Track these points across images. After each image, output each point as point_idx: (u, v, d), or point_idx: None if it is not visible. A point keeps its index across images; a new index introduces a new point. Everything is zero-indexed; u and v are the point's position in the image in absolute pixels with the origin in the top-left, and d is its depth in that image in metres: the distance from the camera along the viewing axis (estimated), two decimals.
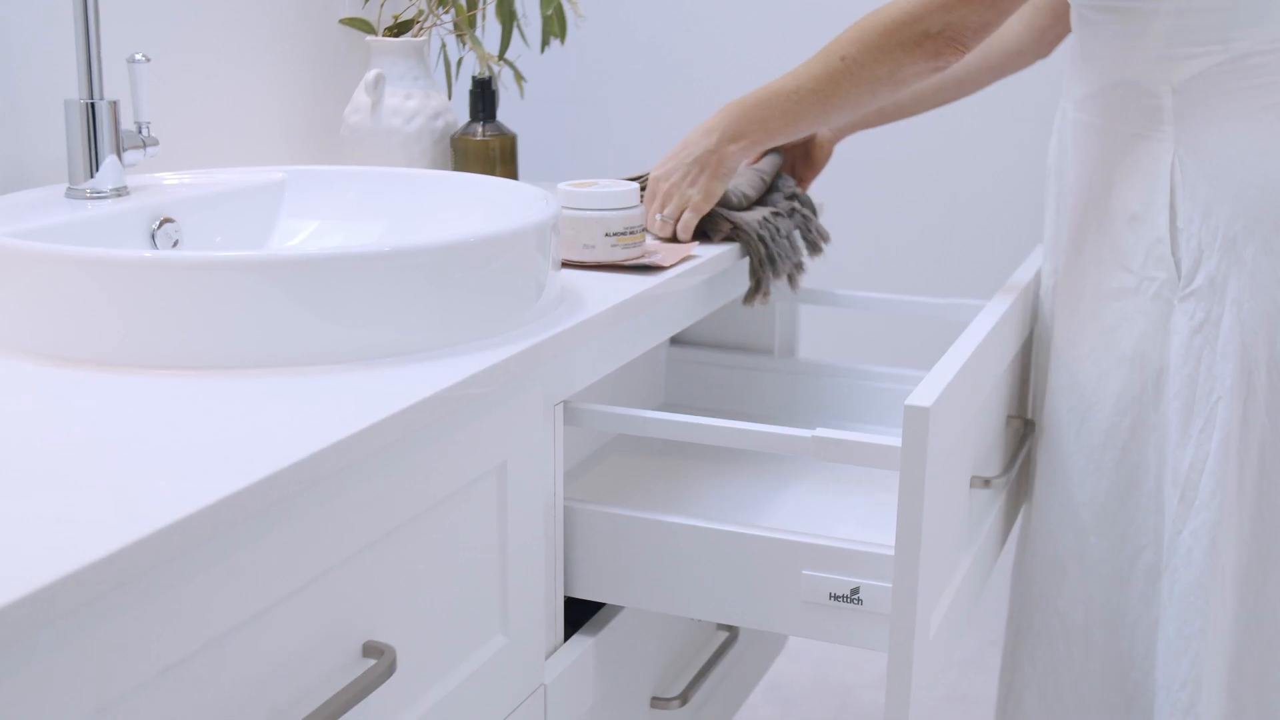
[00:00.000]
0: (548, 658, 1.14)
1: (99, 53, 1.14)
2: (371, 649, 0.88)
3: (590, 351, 1.16)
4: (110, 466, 0.76)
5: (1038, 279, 1.40)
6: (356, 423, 0.83)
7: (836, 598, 1.11)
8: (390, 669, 0.87)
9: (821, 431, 1.10)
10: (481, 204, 1.24)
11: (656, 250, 1.32)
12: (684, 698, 1.34)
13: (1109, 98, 1.25)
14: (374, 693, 0.89)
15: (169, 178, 1.26)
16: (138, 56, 1.20)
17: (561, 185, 1.28)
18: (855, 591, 1.10)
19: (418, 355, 0.97)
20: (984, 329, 1.17)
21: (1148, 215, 1.22)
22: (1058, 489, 1.31)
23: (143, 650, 0.69)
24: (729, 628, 1.50)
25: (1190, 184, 1.19)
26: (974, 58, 1.51)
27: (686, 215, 1.36)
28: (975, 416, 1.17)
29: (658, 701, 1.34)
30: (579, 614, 1.24)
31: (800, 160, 1.57)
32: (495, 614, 1.04)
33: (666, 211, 1.36)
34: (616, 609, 1.24)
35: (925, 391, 1.00)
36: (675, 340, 1.68)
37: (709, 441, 1.14)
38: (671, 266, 1.27)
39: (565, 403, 1.14)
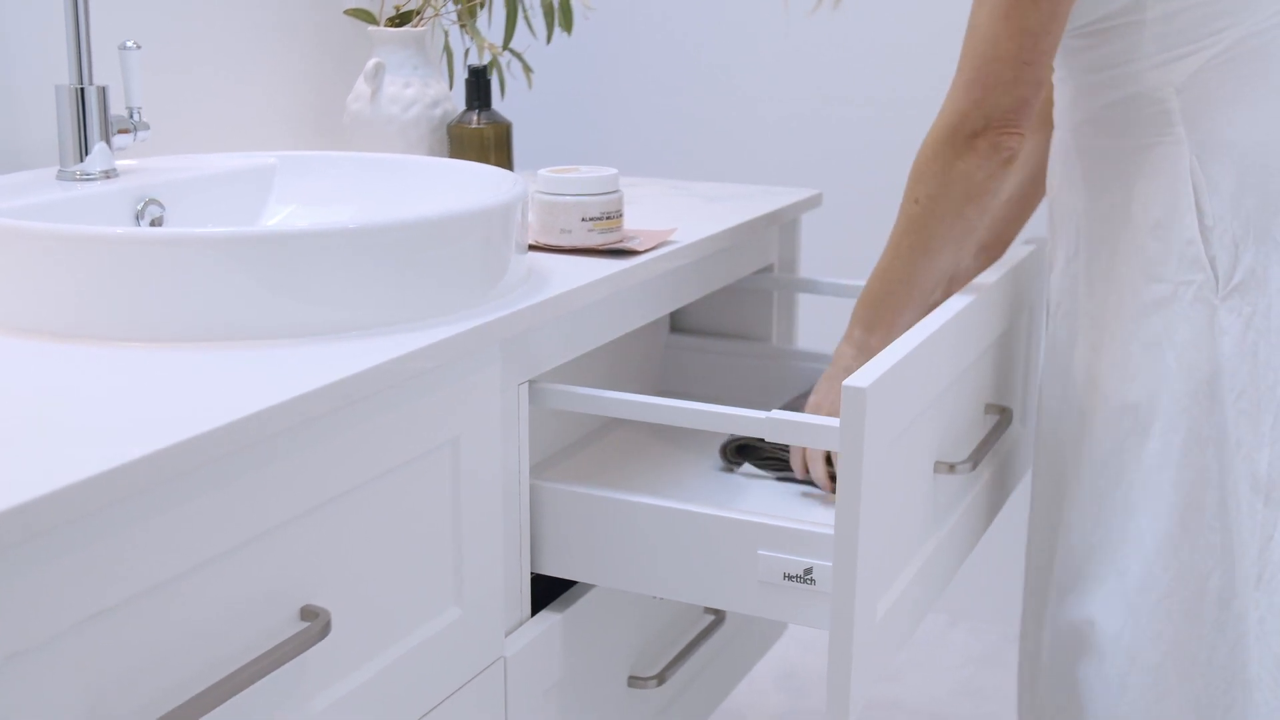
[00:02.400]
0: (512, 632, 1.17)
1: (88, 39, 1.19)
2: (309, 613, 0.91)
3: (558, 333, 1.19)
4: (47, 428, 0.80)
5: (1017, 271, 1.40)
6: (288, 392, 0.86)
7: (790, 577, 1.12)
8: (324, 631, 0.90)
9: (775, 413, 1.11)
10: (460, 188, 1.27)
11: (635, 235, 1.34)
12: (661, 678, 1.36)
13: (1110, 116, 1.23)
14: (316, 656, 0.93)
15: (160, 161, 1.30)
16: (129, 44, 1.24)
17: (541, 171, 1.31)
18: (808, 572, 1.11)
19: (373, 331, 1.00)
20: (946, 315, 1.18)
21: (1173, 220, 1.20)
22: (1122, 523, 1.24)
23: (60, 600, 0.73)
24: (715, 611, 1.52)
25: (1213, 179, 1.18)
26: (1040, 136, 1.42)
27: None
28: (936, 400, 1.18)
29: (635, 680, 1.36)
30: (559, 593, 1.26)
31: None
32: (449, 586, 1.07)
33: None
34: (589, 587, 1.27)
35: (865, 373, 1.01)
36: (674, 328, 1.70)
37: (668, 422, 1.16)
38: (646, 251, 1.29)
39: (531, 382, 1.17)
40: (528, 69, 1.72)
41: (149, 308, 0.96)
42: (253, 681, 0.84)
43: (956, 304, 1.22)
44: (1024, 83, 1.16)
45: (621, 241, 1.31)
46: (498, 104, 1.72)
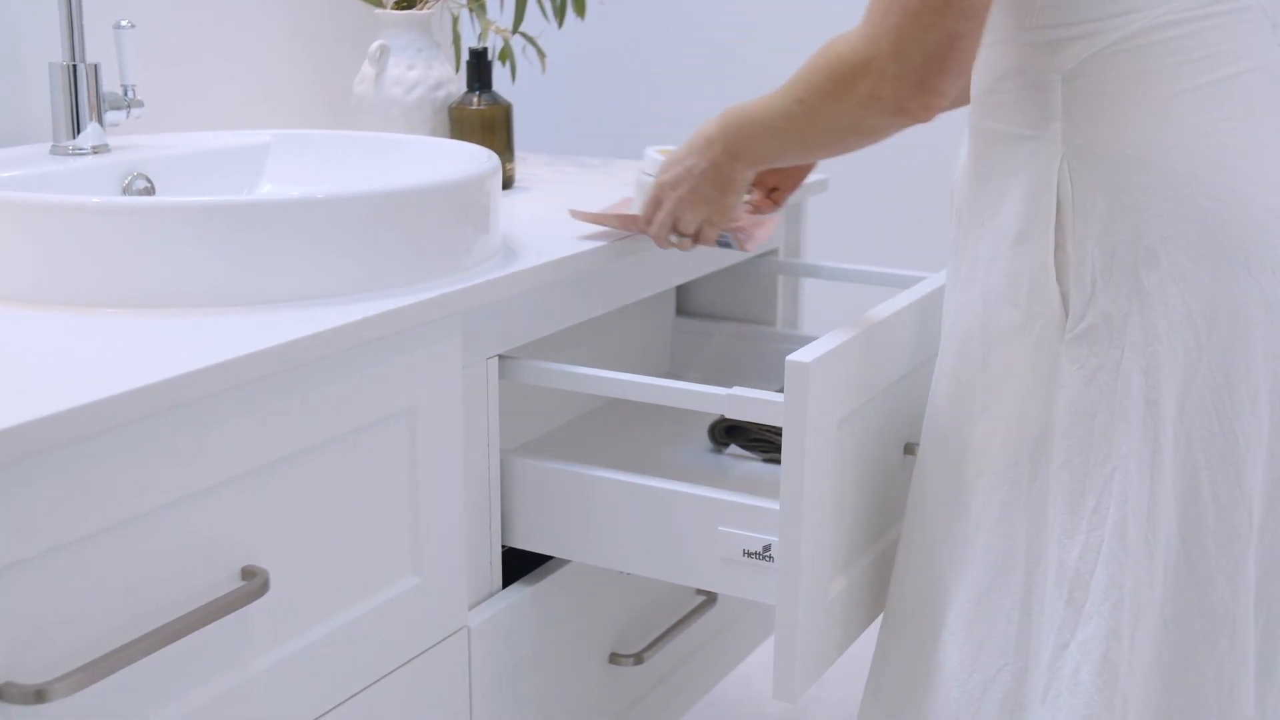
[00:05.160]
0: (480, 602, 1.19)
1: (81, 18, 1.22)
2: (249, 573, 0.94)
3: (531, 308, 1.20)
4: None
5: None
6: (223, 355, 0.88)
7: (750, 554, 1.12)
8: (262, 589, 0.92)
9: (736, 390, 1.11)
10: (443, 165, 1.28)
11: (740, 227, 1.27)
12: (639, 658, 1.37)
13: (1000, 93, 1.03)
14: (258, 615, 0.95)
15: (155, 138, 1.33)
16: (123, 23, 1.27)
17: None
18: (767, 549, 1.11)
19: (331, 300, 1.02)
20: (910, 298, 1.17)
21: (1032, 236, 1.00)
22: (944, 587, 1.08)
23: None
24: (706, 592, 1.52)
25: (1081, 195, 0.98)
26: None
27: (707, 231, 1.20)
28: (901, 381, 1.17)
29: (616, 658, 1.37)
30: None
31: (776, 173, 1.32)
32: (406, 554, 1.08)
33: (683, 226, 1.20)
34: (566, 562, 1.28)
35: (811, 349, 1.01)
36: (680, 311, 1.71)
37: (633, 397, 1.17)
38: (749, 248, 1.27)
39: (500, 356, 1.18)
40: (541, 54, 1.73)
41: (106, 274, 0.99)
42: (183, 635, 0.86)
43: (925, 288, 1.21)
44: (955, 12, 0.92)
45: (735, 231, 1.26)
46: (510, 87, 1.74)
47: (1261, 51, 0.99)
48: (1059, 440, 1.00)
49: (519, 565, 1.27)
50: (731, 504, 1.12)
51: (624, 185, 1.59)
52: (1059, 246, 0.99)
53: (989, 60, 1.05)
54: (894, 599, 1.16)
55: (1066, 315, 0.99)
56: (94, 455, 0.81)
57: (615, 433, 1.48)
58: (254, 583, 0.92)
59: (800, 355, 1.00)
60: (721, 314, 1.70)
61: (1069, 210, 0.98)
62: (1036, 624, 1.02)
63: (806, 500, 1.02)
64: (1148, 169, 0.96)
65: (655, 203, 1.21)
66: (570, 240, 1.25)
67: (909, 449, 1.21)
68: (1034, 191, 1.00)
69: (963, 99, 1.13)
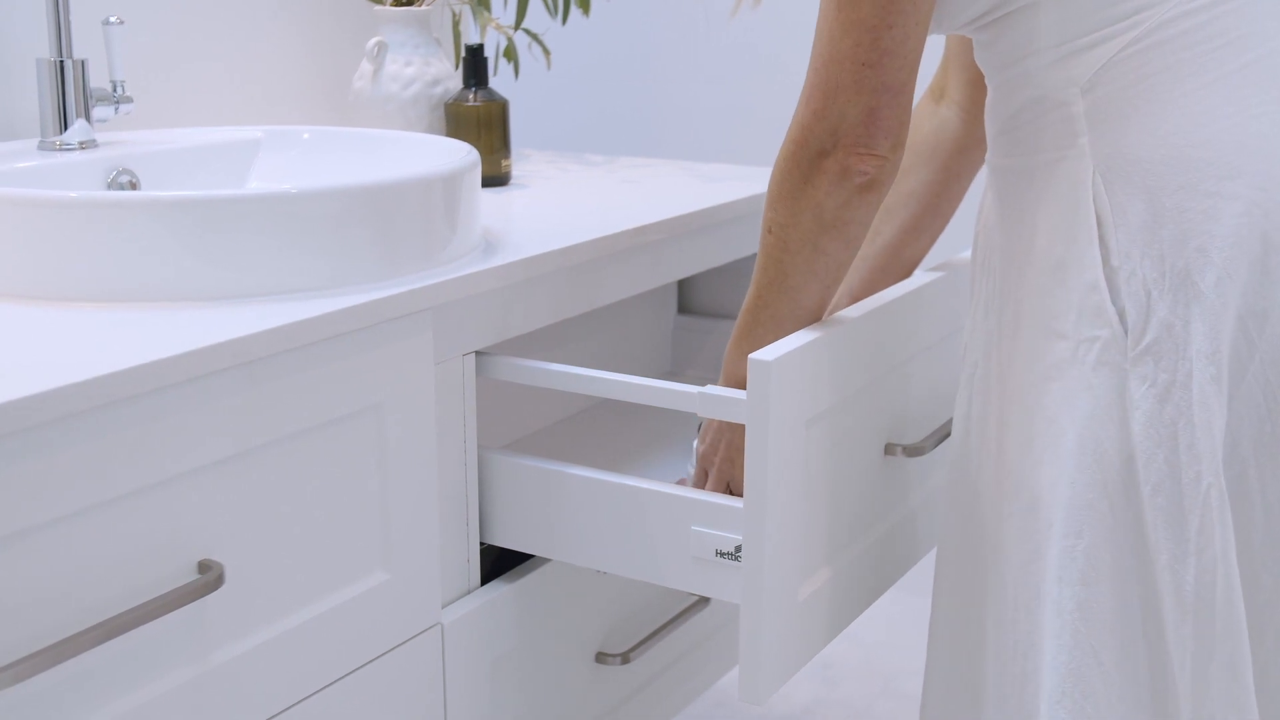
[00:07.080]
0: (456, 600, 1.18)
1: (67, 14, 1.23)
2: (205, 567, 0.94)
3: (511, 305, 1.19)
4: None
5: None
6: (178, 349, 0.88)
7: (722, 554, 1.11)
8: (217, 583, 0.92)
9: (709, 389, 1.10)
10: (425, 160, 1.28)
11: None
12: (625, 657, 1.36)
13: (1017, 127, 1.01)
14: (215, 608, 0.95)
15: (144, 134, 1.34)
16: (112, 19, 1.28)
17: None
18: (738, 549, 1.10)
19: (298, 295, 1.02)
20: (887, 297, 1.16)
21: (1073, 259, 0.96)
22: (1036, 654, 0.99)
23: None
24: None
25: (1120, 205, 0.94)
26: (925, 173, 1.24)
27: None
28: (876, 381, 1.15)
29: (603, 657, 1.37)
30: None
31: None
32: (375, 550, 1.08)
33: (737, 486, 1.15)
34: (548, 559, 1.27)
35: (776, 347, 1.00)
36: (682, 309, 1.70)
37: (605, 395, 1.16)
38: None
39: (477, 352, 1.18)
40: (546, 51, 1.73)
41: (73, 268, 0.99)
42: (133, 627, 0.87)
43: (902, 288, 1.19)
44: (867, 89, 0.96)
45: None
46: (515, 84, 1.74)
47: (1277, 33, 0.96)
48: (1144, 465, 0.94)
49: (511, 565, 1.27)
50: (703, 503, 1.11)
51: (624, 182, 1.59)
52: (1104, 262, 0.95)
53: (995, 104, 1.03)
54: (939, 684, 1.11)
55: (1126, 333, 0.94)
56: (46, 445, 0.82)
57: (608, 431, 1.48)
58: (209, 576, 0.92)
59: (763, 353, 0.99)
60: (724, 312, 1.69)
61: (1109, 223, 0.95)
62: (1166, 664, 0.95)
63: (771, 500, 1.01)
64: (1186, 166, 0.93)
65: (701, 474, 1.19)
66: (558, 236, 1.25)
67: (889, 449, 1.20)
68: (1069, 212, 0.97)
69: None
